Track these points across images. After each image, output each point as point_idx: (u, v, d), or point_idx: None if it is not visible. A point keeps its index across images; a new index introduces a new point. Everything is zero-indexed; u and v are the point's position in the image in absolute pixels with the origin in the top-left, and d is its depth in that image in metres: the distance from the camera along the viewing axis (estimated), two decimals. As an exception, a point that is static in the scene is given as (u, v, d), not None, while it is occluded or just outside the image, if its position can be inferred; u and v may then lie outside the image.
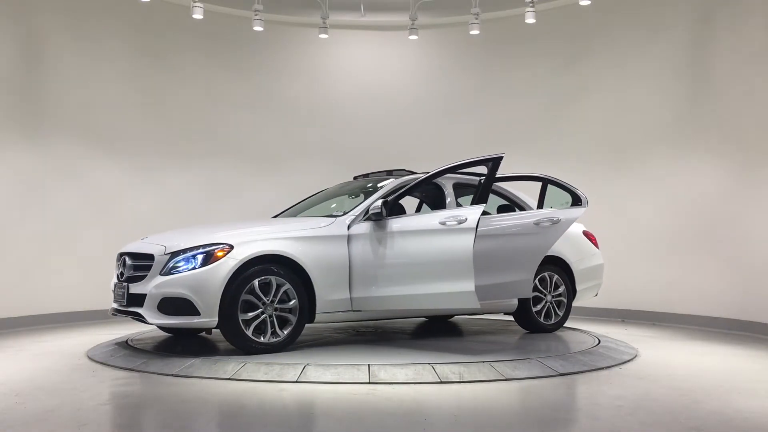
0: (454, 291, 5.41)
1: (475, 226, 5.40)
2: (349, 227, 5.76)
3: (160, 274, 5.31)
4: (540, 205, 6.73)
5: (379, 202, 5.74)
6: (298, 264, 5.50)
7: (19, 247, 7.77)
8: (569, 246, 7.01)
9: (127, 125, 8.87)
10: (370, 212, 5.77)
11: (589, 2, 8.56)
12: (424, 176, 5.98)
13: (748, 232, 7.56)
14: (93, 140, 8.56)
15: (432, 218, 5.63)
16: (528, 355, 5.55)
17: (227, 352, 5.44)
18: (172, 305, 5.23)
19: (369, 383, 4.70)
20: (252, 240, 5.43)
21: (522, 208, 6.95)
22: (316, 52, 10.01)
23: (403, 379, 4.78)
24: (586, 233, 7.36)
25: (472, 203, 5.67)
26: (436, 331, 7.12)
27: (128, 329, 7.03)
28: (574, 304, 7.25)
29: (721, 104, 7.91)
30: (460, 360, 5.25)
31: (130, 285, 5.50)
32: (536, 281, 6.71)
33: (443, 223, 5.52)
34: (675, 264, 8.26)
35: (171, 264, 5.30)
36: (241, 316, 5.28)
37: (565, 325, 7.22)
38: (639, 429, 3.76)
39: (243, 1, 9.20)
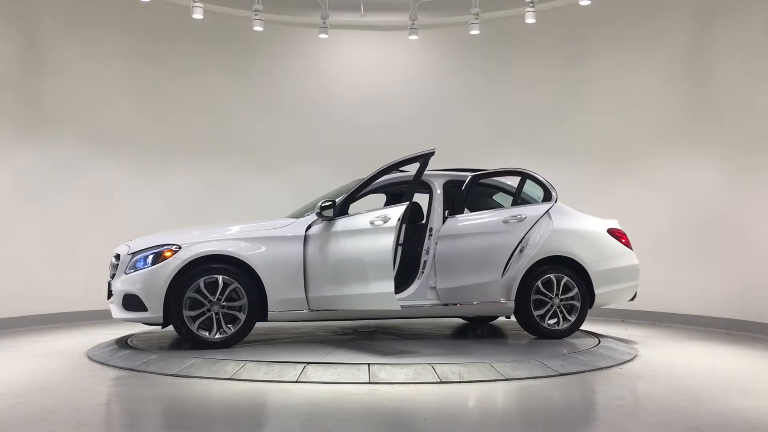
0: (375, 292, 5.43)
1: (395, 226, 5.44)
2: (310, 227, 5.84)
3: (124, 273, 5.73)
4: (516, 201, 6.57)
5: (320, 203, 5.83)
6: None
7: (19, 247, 7.77)
8: (583, 245, 6.56)
9: (127, 125, 8.86)
10: (314, 213, 5.89)
11: (589, 2, 8.56)
12: (366, 179, 5.99)
13: (748, 232, 7.56)
14: (93, 140, 8.56)
15: (365, 218, 5.69)
16: (528, 355, 5.55)
17: (227, 352, 5.44)
18: (129, 301, 5.65)
19: (369, 383, 4.70)
20: (201, 241, 5.72)
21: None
22: (316, 52, 10.00)
23: (403, 379, 4.78)
24: (613, 231, 6.81)
25: (402, 201, 5.72)
26: (436, 331, 7.11)
27: (128, 329, 7.02)
28: (607, 308, 6.96)
29: (721, 104, 7.91)
30: (460, 360, 5.25)
31: (111, 282, 5.94)
32: (539, 283, 6.33)
33: (372, 223, 5.58)
34: (675, 264, 8.25)
35: (131, 263, 5.72)
36: (187, 313, 5.55)
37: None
38: (639, 429, 3.76)
39: (243, 1, 9.19)
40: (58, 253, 8.09)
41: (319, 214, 5.80)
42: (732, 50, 7.82)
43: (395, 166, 5.93)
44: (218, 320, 5.62)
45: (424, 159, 5.81)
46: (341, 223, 5.77)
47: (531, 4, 8.64)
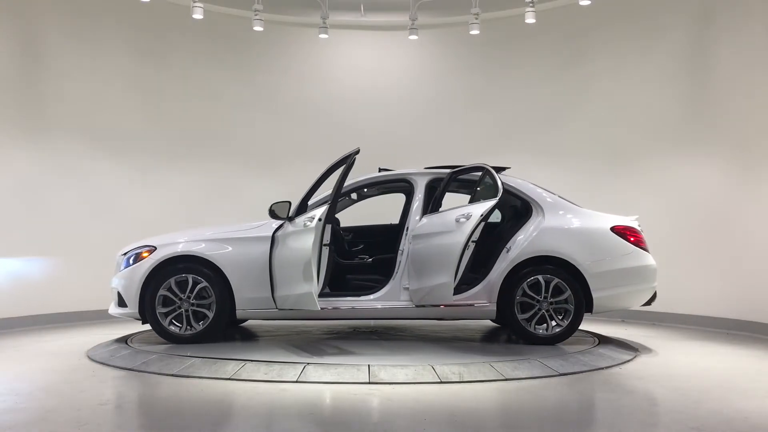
0: (300, 292, 5.57)
1: (314, 226, 5.60)
2: (279, 228, 5.93)
3: (118, 272, 6.17)
4: (473, 197, 6.19)
5: (271, 204, 5.92)
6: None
7: (19, 247, 7.76)
8: (578, 245, 6.10)
9: (127, 125, 8.85)
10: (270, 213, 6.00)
11: (589, 2, 8.56)
12: (315, 182, 6.04)
13: (748, 232, 7.56)
14: (93, 140, 8.54)
15: (301, 219, 5.80)
16: (528, 355, 5.55)
17: (227, 352, 5.45)
18: (118, 298, 6.12)
19: (369, 383, 4.71)
20: (175, 242, 6.09)
21: (528, 209, 6.38)
22: (316, 52, 10.00)
23: (403, 379, 4.79)
24: (618, 229, 6.25)
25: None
26: (436, 331, 7.11)
27: (128, 329, 7.02)
28: (621, 312, 6.79)
29: (722, 104, 7.90)
30: (460, 360, 5.25)
31: None
32: (525, 285, 5.99)
33: (304, 224, 5.72)
34: (675, 264, 8.24)
35: (121, 263, 6.17)
36: (159, 309, 5.93)
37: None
38: (639, 429, 3.77)
39: (243, 1, 9.19)
40: (58, 253, 8.09)
41: (271, 215, 5.91)
42: (732, 50, 7.81)
43: (328, 173, 6.01)
44: (188, 317, 5.93)
45: (350, 159, 5.88)
46: (294, 225, 5.88)
47: (531, 4, 8.64)
